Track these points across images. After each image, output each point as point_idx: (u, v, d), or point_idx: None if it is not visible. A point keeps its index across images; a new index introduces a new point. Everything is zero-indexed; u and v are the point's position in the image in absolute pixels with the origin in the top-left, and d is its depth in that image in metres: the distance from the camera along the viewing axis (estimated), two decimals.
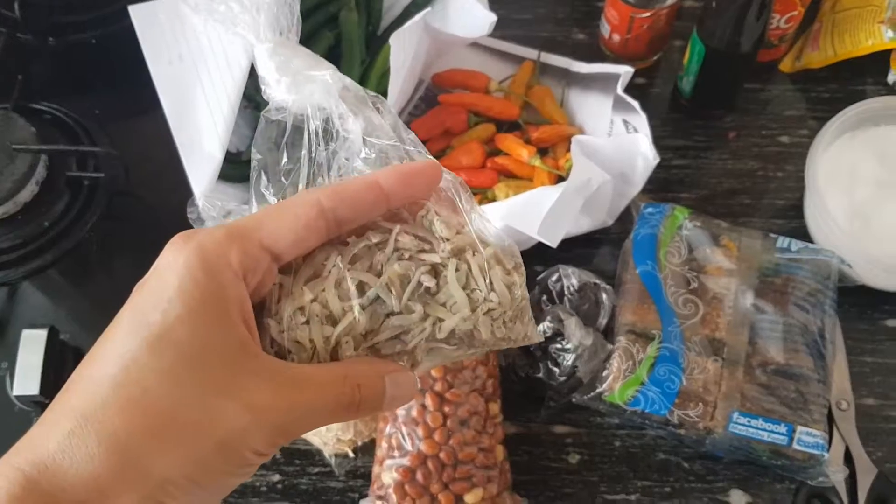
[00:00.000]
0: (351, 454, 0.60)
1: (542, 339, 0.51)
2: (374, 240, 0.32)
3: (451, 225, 0.33)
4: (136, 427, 0.27)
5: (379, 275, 0.31)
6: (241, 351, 0.28)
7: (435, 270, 0.32)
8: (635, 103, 0.67)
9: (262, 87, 0.35)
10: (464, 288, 0.31)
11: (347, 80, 0.34)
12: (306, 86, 0.34)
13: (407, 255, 0.32)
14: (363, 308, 0.31)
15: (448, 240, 0.32)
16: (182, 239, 0.30)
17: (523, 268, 0.34)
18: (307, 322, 0.31)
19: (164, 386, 0.27)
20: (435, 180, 0.33)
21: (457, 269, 0.31)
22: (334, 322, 0.31)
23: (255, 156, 0.35)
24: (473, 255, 0.32)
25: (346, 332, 0.31)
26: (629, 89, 0.70)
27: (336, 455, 0.60)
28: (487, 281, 0.32)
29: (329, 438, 0.59)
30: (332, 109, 0.34)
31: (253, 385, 0.28)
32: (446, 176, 0.33)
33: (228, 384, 0.28)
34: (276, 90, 0.34)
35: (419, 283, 0.31)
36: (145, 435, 0.27)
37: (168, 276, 0.29)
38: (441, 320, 0.31)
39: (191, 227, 0.33)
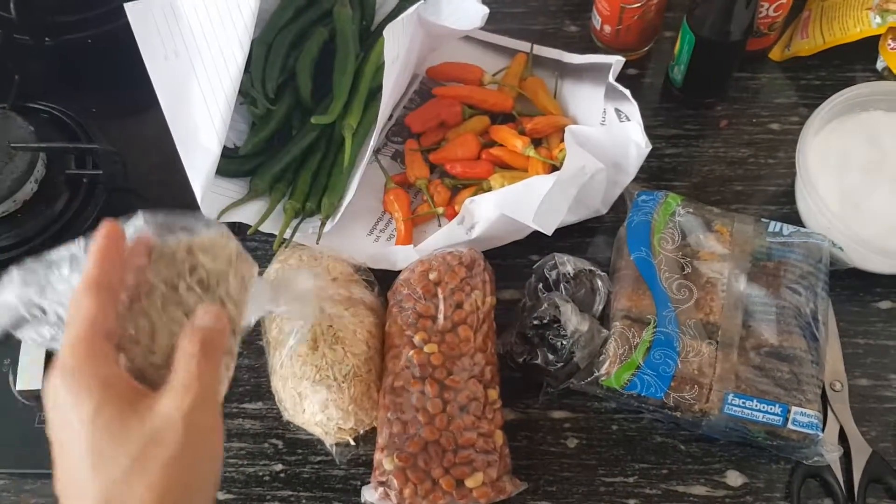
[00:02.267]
0: (352, 442, 0.61)
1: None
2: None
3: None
4: None
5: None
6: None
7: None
8: (627, 91, 0.68)
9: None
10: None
11: None
12: None
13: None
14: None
15: None
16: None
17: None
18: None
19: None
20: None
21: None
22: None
23: None
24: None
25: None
26: (621, 80, 0.70)
27: (337, 444, 0.61)
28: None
29: (330, 428, 0.60)
30: None
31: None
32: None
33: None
34: None
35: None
36: None
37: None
38: None
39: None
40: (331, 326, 0.59)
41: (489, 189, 0.69)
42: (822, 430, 0.59)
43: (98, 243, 0.44)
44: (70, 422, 0.39)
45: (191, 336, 0.43)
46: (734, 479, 0.62)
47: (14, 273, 0.46)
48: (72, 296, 0.43)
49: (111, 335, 0.42)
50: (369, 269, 0.67)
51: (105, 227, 0.44)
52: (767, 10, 0.73)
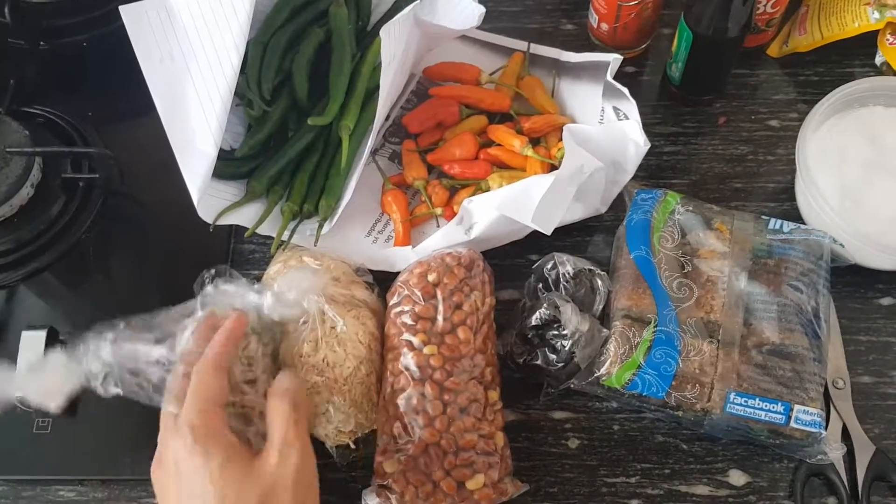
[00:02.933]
0: (352, 445, 0.60)
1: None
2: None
3: None
4: None
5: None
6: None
7: None
8: (625, 90, 0.68)
9: None
10: None
11: None
12: None
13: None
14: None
15: None
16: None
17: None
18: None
19: None
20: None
21: None
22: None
23: None
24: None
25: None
26: (619, 78, 0.70)
27: (337, 446, 0.61)
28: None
29: (330, 431, 0.59)
30: None
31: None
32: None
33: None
34: None
35: None
36: None
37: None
38: None
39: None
40: (333, 328, 0.59)
41: (487, 189, 0.69)
42: (825, 428, 0.59)
43: (228, 328, 0.54)
44: (198, 474, 0.47)
45: (281, 397, 0.52)
46: (737, 478, 0.61)
47: (108, 335, 0.54)
48: (197, 367, 0.51)
49: (224, 407, 0.51)
50: (369, 270, 0.66)
51: (237, 316, 0.55)
52: (765, 6, 0.73)
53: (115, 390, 0.53)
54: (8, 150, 0.69)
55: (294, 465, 0.49)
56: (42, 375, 0.52)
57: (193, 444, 0.48)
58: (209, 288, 0.58)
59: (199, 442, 0.48)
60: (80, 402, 0.65)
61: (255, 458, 0.49)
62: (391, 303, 0.63)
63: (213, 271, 0.60)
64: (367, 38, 0.77)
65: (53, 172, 0.72)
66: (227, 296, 0.57)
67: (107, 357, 0.53)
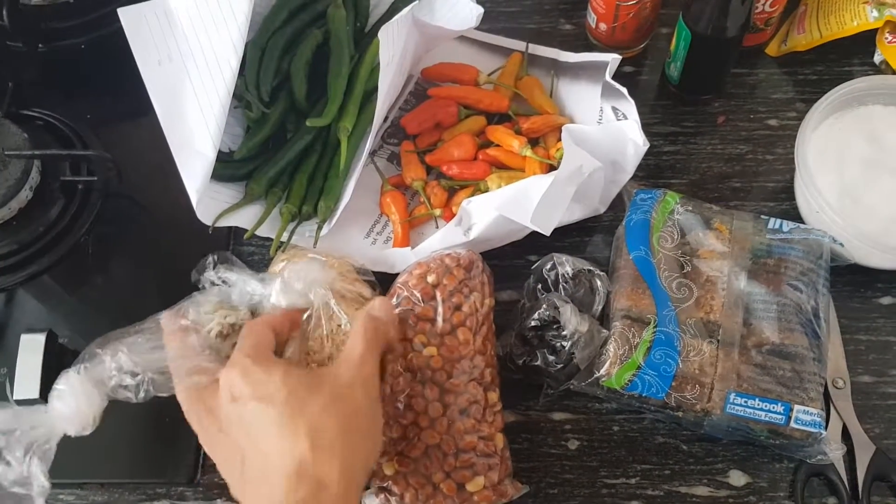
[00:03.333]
0: None
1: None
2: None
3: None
4: None
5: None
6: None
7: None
8: (623, 89, 0.68)
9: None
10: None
11: None
12: None
13: None
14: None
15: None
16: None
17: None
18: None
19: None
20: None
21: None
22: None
23: None
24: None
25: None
26: (617, 78, 0.70)
27: None
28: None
29: None
30: None
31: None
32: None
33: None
34: None
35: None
36: None
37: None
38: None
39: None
40: (339, 326, 0.58)
41: (486, 190, 0.69)
42: (825, 428, 0.59)
43: (290, 314, 0.56)
44: (261, 384, 0.47)
45: (365, 321, 0.52)
46: (737, 478, 0.61)
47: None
48: (248, 324, 0.53)
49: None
50: (370, 271, 0.66)
51: (292, 314, 0.56)
52: (764, 5, 0.73)
53: (149, 393, 0.53)
54: (6, 152, 0.69)
55: (366, 375, 0.49)
56: (71, 402, 0.51)
57: (252, 365, 0.48)
58: (210, 274, 0.57)
59: (258, 362, 0.48)
60: None
61: (320, 370, 0.50)
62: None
63: (214, 257, 0.59)
64: (365, 39, 0.77)
65: (52, 175, 0.72)
66: (227, 283, 0.57)
67: (132, 367, 0.52)
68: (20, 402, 0.63)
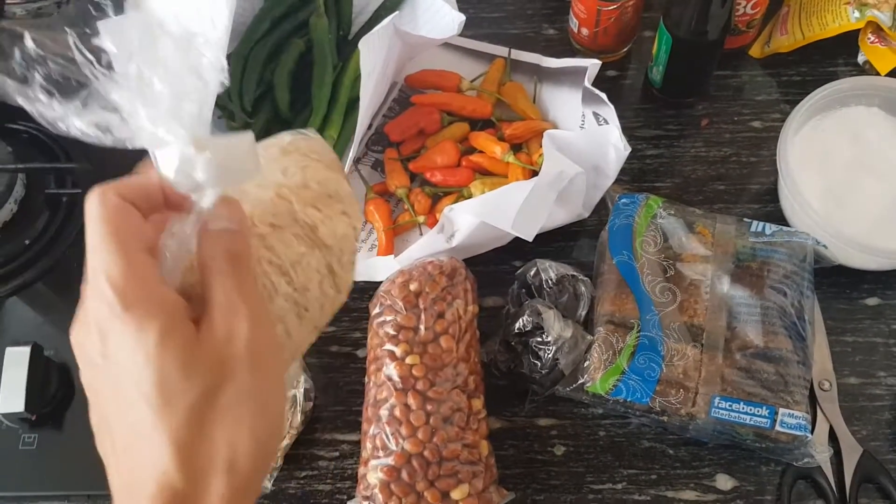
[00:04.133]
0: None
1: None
2: None
3: None
4: None
5: None
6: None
7: None
8: (603, 95, 0.68)
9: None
10: None
11: None
12: None
13: None
14: None
15: None
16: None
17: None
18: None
19: None
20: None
21: None
22: None
23: None
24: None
25: None
26: (601, 82, 0.70)
27: None
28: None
29: None
30: None
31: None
32: None
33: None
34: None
35: None
36: None
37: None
38: None
39: None
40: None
41: (470, 196, 0.69)
42: (812, 430, 0.58)
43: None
44: (129, 352, 0.33)
45: (211, 248, 0.35)
46: (724, 482, 0.61)
47: None
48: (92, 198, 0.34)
49: (151, 248, 0.35)
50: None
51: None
52: (745, 7, 0.73)
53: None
54: None
55: (245, 337, 0.34)
56: None
57: (122, 313, 0.33)
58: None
59: (130, 309, 0.33)
60: (66, 418, 0.65)
61: (199, 327, 0.34)
62: (373, 313, 0.63)
63: None
64: (348, 47, 0.77)
65: (37, 188, 0.72)
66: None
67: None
68: (6, 416, 0.63)
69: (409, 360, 0.59)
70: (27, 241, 0.70)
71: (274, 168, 0.39)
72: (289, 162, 0.39)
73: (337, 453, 0.63)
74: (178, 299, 0.34)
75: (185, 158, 0.33)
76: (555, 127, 0.73)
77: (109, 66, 0.34)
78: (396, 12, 0.67)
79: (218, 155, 0.33)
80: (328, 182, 0.40)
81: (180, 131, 0.33)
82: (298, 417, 0.62)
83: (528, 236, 0.62)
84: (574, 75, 0.73)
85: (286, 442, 0.62)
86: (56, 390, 0.64)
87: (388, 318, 0.61)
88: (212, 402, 0.33)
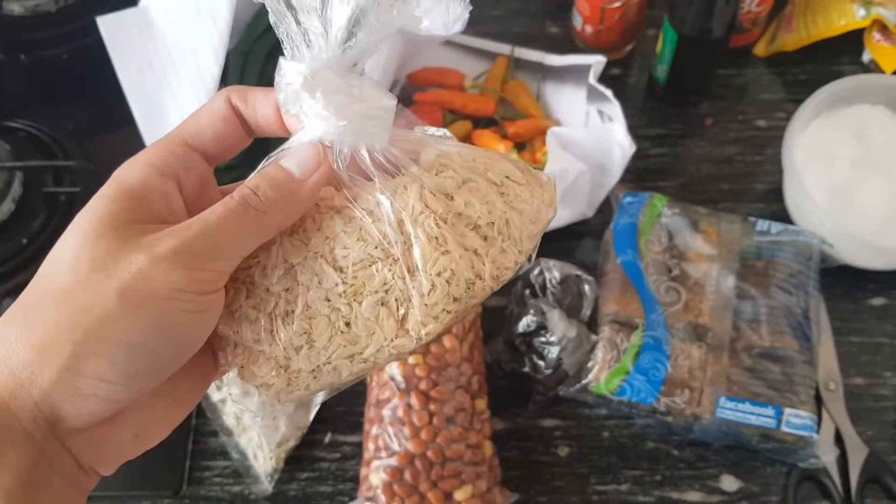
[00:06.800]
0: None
1: None
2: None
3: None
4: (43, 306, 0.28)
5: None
6: (142, 228, 0.29)
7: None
8: (608, 92, 0.67)
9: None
10: None
11: None
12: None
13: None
14: None
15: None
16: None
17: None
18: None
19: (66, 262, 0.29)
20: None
21: None
22: None
23: None
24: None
25: None
26: (604, 81, 0.70)
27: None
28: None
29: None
30: None
31: (146, 241, 0.29)
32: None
33: (122, 248, 0.29)
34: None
35: None
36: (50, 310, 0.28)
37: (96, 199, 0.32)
38: None
39: None
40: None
41: None
42: (818, 431, 0.58)
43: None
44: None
45: (254, 179, 0.31)
46: (729, 483, 0.61)
47: None
48: None
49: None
50: None
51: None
52: (750, 5, 0.72)
53: None
54: None
55: (168, 250, 0.28)
56: None
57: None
58: None
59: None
60: None
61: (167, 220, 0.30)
62: None
63: None
64: None
65: (35, 186, 0.71)
66: None
67: None
68: None
69: (412, 360, 0.58)
70: (24, 241, 0.69)
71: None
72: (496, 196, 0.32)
73: (338, 455, 0.63)
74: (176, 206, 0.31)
75: (309, 80, 0.31)
76: (558, 125, 0.72)
77: None
78: None
79: (343, 100, 0.30)
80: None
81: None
82: (309, 417, 0.62)
83: None
84: (578, 73, 0.72)
85: (292, 444, 0.62)
86: None
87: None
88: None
